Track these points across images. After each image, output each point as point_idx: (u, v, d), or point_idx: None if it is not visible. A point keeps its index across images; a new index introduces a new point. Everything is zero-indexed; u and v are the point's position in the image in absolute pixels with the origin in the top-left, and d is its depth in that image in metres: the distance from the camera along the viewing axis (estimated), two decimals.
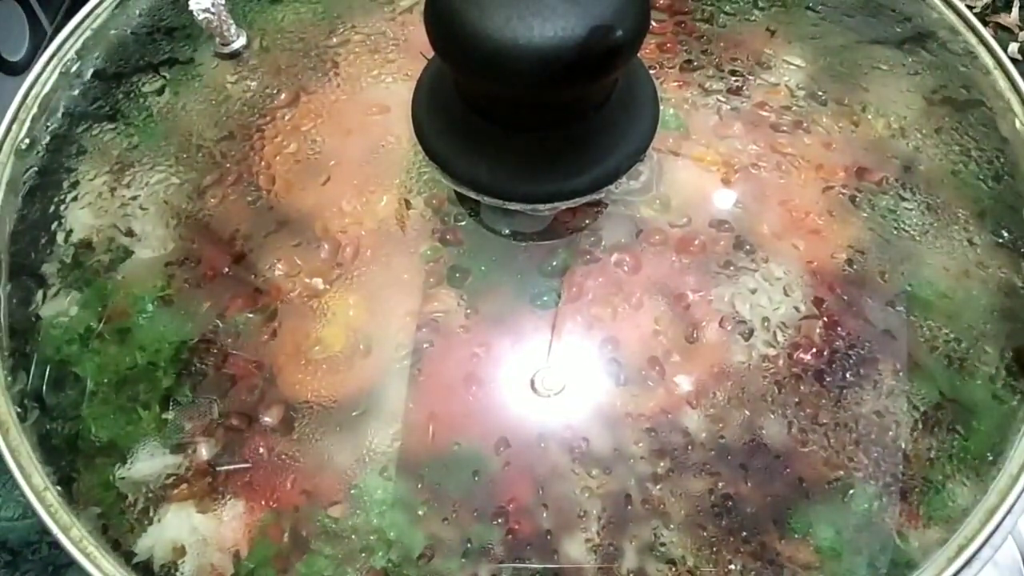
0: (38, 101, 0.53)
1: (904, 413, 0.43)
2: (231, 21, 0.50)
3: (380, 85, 0.51)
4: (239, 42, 0.51)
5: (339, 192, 0.48)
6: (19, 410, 0.44)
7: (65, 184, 0.52)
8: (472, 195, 0.40)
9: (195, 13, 0.48)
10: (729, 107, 0.50)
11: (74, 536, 0.42)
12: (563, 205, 0.40)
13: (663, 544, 0.41)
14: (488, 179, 0.39)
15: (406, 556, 0.40)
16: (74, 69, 0.54)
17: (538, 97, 0.33)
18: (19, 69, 0.70)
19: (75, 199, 0.52)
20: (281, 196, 0.48)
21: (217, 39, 0.50)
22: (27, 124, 0.52)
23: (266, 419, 0.43)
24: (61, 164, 0.52)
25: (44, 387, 0.45)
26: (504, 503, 0.42)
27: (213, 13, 0.48)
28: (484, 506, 0.41)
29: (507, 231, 0.45)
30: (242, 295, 0.46)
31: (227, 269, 0.47)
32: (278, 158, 0.49)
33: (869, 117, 0.50)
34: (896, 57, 0.52)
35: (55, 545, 0.53)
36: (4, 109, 0.68)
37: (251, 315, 0.45)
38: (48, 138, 0.52)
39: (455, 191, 0.44)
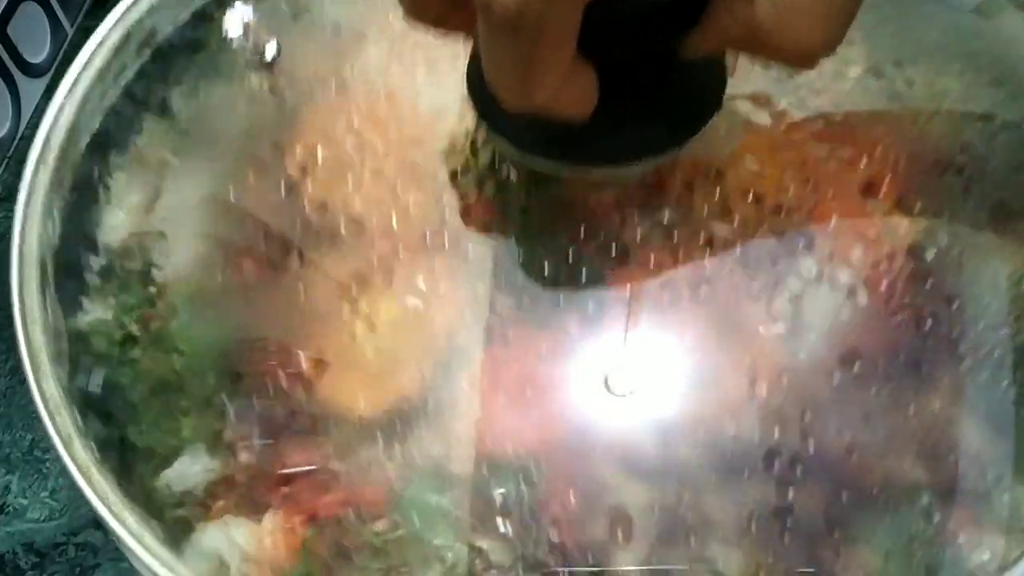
0: (76, 103, 0.51)
1: (965, 415, 0.41)
2: (264, 36, 0.51)
3: (430, 84, 0.49)
4: (271, 51, 0.52)
5: (382, 194, 0.47)
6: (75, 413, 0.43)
7: (101, 188, 0.51)
8: (550, 167, 0.39)
9: (230, 40, 0.51)
10: (788, 101, 0.47)
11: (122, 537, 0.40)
12: (649, 164, 0.40)
13: (715, 557, 0.39)
14: (565, 144, 0.37)
15: (452, 569, 0.40)
16: (112, 71, 0.51)
17: (617, 53, 0.32)
18: (41, 71, 0.70)
19: (111, 203, 0.51)
20: (321, 197, 0.47)
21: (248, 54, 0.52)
22: (65, 127, 0.50)
23: (308, 426, 0.42)
24: (98, 168, 0.51)
25: (91, 392, 0.44)
26: (553, 514, 0.41)
27: (247, 38, 0.51)
28: (532, 518, 0.40)
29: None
30: (281, 297, 0.45)
31: (264, 272, 0.46)
32: (318, 159, 0.48)
33: (933, 112, 0.48)
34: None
35: (82, 547, 0.55)
36: (27, 110, 0.68)
37: (291, 319, 0.44)
38: (85, 141, 0.50)
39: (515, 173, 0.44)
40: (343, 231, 0.47)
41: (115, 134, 0.54)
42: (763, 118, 0.47)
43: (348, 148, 0.49)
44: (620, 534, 0.41)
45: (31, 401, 0.56)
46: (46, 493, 0.55)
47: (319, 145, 0.49)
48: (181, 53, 0.54)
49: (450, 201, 0.46)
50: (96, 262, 0.50)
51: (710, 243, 0.45)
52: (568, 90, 0.33)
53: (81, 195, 0.50)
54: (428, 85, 0.49)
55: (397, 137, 0.49)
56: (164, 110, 0.54)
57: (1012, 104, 0.49)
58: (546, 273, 0.44)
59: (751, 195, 0.45)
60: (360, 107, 0.50)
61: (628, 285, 0.44)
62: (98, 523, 0.41)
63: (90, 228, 0.51)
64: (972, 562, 0.40)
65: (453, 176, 0.47)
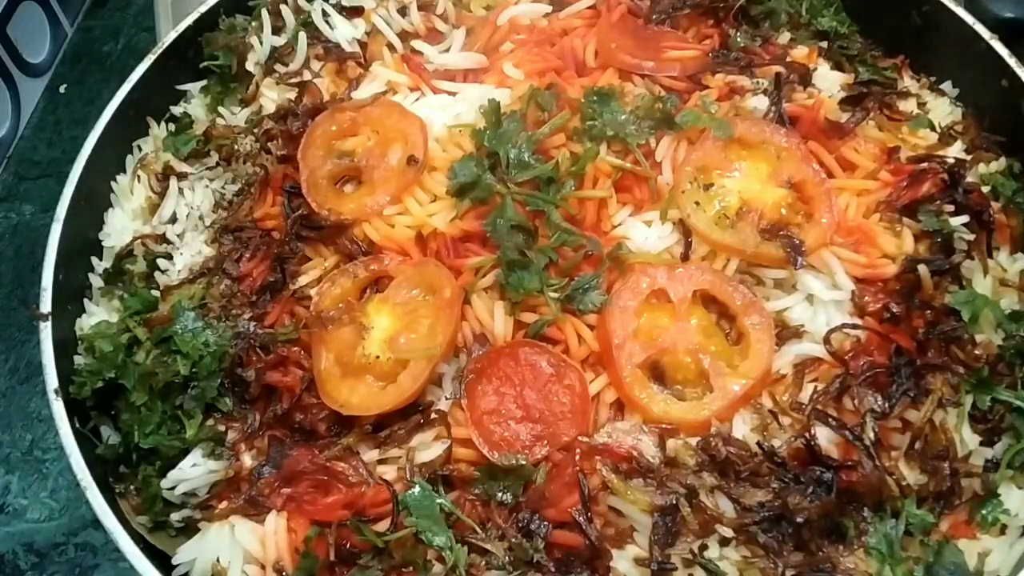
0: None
1: (957, 421, 0.43)
2: None
3: (422, 100, 0.53)
4: None
5: (380, 202, 0.48)
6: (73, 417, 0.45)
7: (108, 194, 0.54)
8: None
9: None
10: (777, 113, 0.51)
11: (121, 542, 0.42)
12: None
13: (714, 557, 0.40)
14: None
15: (452, 569, 0.40)
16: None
17: None
18: (41, 71, 0.70)
19: (117, 209, 0.53)
20: (321, 205, 0.48)
21: None
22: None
23: (310, 429, 0.43)
24: (107, 175, 0.54)
25: (93, 396, 0.45)
26: (552, 516, 0.41)
27: None
28: (531, 519, 0.41)
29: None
30: (281, 303, 0.46)
31: (265, 278, 0.47)
32: (318, 168, 0.50)
33: (919, 131, 0.52)
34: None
35: (82, 547, 0.56)
36: (27, 110, 0.68)
37: (292, 325, 0.46)
38: (93, 150, 0.52)
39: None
40: (346, 236, 0.48)
41: (120, 138, 0.53)
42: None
43: (353, 158, 0.50)
44: (620, 535, 0.42)
45: (31, 401, 0.57)
46: (46, 493, 0.56)
47: (324, 153, 0.50)
48: (191, 63, 0.56)
49: (450, 211, 0.47)
50: (100, 265, 0.51)
51: (713, 253, 0.46)
52: None
53: (87, 199, 0.51)
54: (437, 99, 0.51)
55: (403, 146, 0.49)
56: (172, 118, 0.56)
57: None
58: (544, 281, 0.45)
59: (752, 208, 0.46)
60: (368, 115, 0.51)
61: (628, 292, 0.45)
62: (97, 523, 0.41)
63: (95, 232, 0.52)
64: (972, 563, 0.41)
65: (455, 187, 0.47)
